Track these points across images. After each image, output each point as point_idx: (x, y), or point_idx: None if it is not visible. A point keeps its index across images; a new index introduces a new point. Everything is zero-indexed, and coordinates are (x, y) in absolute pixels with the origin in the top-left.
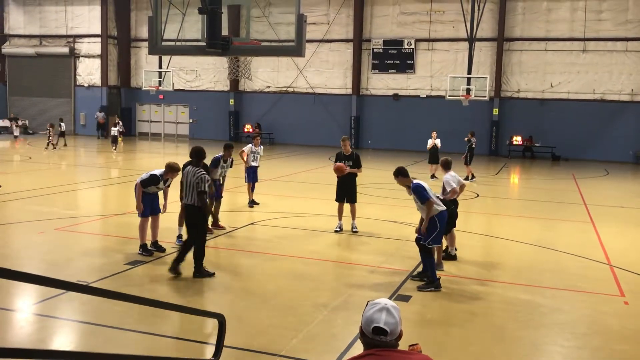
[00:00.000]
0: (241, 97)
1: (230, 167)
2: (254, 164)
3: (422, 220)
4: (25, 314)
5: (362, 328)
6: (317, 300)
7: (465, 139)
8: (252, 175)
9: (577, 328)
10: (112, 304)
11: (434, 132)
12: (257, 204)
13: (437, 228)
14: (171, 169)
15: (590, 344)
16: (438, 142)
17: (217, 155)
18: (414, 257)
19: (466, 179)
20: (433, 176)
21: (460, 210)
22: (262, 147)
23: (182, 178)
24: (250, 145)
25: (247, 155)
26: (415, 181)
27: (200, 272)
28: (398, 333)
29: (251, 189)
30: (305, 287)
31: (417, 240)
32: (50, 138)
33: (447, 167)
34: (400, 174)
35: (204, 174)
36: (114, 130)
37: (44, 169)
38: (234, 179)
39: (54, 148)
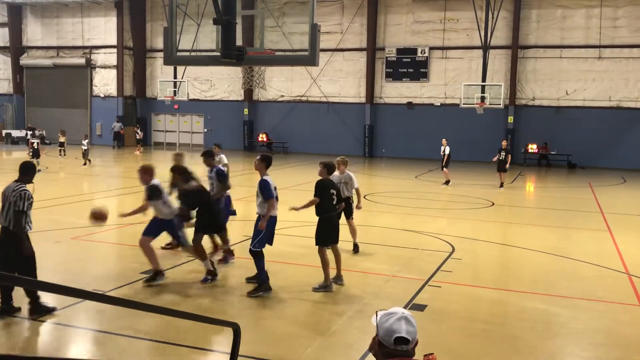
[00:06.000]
0: (255, 106)
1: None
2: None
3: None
4: (43, 323)
5: (379, 339)
6: (332, 309)
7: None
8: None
9: (595, 338)
10: (128, 312)
11: (444, 140)
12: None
13: (263, 231)
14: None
15: (608, 355)
16: (447, 149)
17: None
18: (429, 266)
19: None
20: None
21: (476, 219)
22: (222, 155)
23: (2, 196)
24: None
25: None
26: (265, 177)
27: (38, 309)
28: (416, 341)
29: None
30: (319, 296)
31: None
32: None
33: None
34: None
35: (25, 190)
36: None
37: (60, 178)
38: (247, 188)
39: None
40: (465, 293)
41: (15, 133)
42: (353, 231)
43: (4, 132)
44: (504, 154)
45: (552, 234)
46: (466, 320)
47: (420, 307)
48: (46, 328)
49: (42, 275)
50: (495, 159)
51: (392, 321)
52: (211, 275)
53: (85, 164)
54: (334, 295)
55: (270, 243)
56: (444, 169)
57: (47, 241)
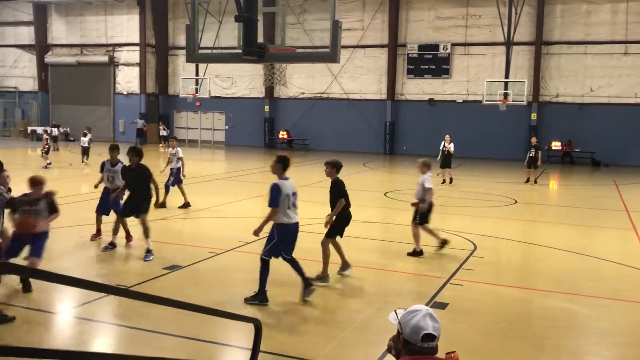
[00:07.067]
0: (276, 103)
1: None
2: (171, 165)
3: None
4: (66, 317)
5: (405, 337)
6: (353, 306)
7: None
8: (170, 177)
9: (618, 338)
10: (150, 307)
11: (447, 136)
12: (164, 207)
13: (274, 239)
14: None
15: (631, 355)
16: (451, 146)
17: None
18: (451, 264)
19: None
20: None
21: (498, 217)
22: (178, 149)
23: None
24: (169, 148)
25: (169, 157)
26: (278, 181)
27: None
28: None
29: (166, 192)
30: (340, 293)
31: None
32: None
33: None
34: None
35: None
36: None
37: (85, 174)
38: (266, 185)
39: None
40: (487, 291)
41: (40, 130)
42: (433, 232)
43: (29, 128)
44: (534, 150)
45: (576, 232)
46: (488, 319)
47: (442, 305)
48: (71, 322)
49: (67, 269)
50: (536, 163)
51: (419, 318)
52: (112, 245)
53: (82, 161)
54: (355, 292)
55: (288, 254)
56: (447, 168)
57: (72, 237)
